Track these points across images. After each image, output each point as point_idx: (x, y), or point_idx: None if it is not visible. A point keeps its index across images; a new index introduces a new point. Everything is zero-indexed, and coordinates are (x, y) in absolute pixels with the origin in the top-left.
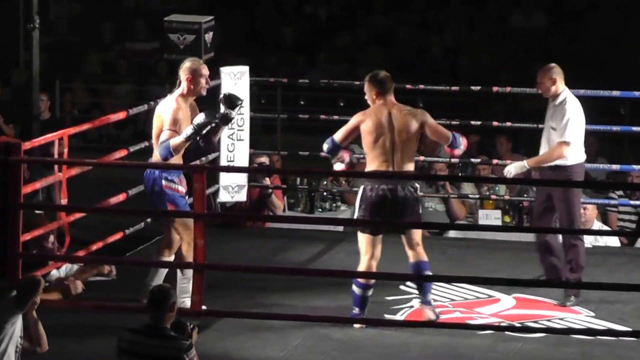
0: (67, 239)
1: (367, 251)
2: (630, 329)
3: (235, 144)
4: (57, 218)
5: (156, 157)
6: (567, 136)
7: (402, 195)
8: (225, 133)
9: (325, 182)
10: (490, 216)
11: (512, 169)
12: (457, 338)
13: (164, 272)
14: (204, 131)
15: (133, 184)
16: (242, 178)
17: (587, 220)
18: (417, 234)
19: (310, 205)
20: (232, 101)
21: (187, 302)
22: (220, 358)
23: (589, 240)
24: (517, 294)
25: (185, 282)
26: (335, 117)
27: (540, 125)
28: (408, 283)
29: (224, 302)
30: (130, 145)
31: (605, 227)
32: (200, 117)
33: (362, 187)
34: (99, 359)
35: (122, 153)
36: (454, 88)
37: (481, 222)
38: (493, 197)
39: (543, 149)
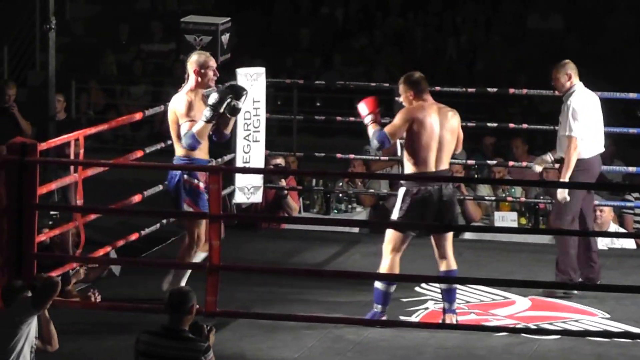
0: (82, 240)
1: (394, 249)
2: None
3: (251, 145)
4: (72, 219)
5: (182, 151)
6: (574, 130)
7: (447, 194)
8: (241, 134)
9: (341, 184)
10: (506, 218)
11: (559, 196)
12: (472, 340)
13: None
14: (222, 108)
15: (149, 185)
16: (258, 179)
17: (603, 222)
18: (449, 237)
19: (325, 207)
20: (237, 91)
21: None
22: (235, 359)
23: (605, 243)
24: (533, 295)
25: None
26: (352, 118)
27: (556, 127)
28: (423, 284)
29: (239, 303)
30: (146, 146)
31: (622, 229)
32: (214, 97)
33: (404, 188)
34: (113, 359)
35: (138, 154)
36: (470, 90)
37: (497, 224)
38: (509, 199)
39: (557, 145)
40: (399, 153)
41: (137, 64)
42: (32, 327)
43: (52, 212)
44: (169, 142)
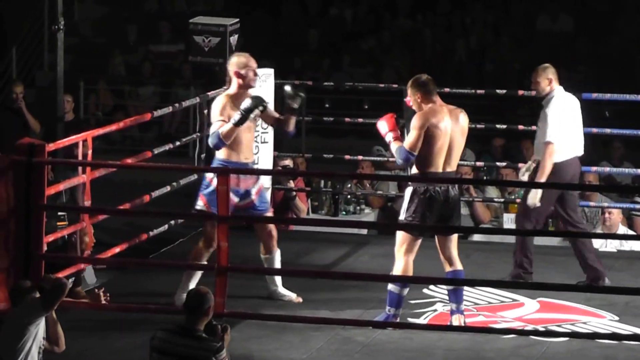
0: (91, 240)
1: (407, 250)
2: None
3: (259, 147)
4: (80, 220)
5: (220, 153)
6: (550, 136)
7: (453, 195)
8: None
9: (349, 185)
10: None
11: (530, 200)
12: (480, 342)
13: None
14: (252, 115)
15: (157, 186)
16: (267, 180)
17: (612, 224)
18: (454, 238)
19: (334, 208)
20: (293, 94)
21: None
22: None
23: (614, 245)
24: (542, 297)
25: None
26: (360, 119)
27: None
28: (431, 286)
29: (246, 304)
30: (155, 148)
31: (631, 232)
32: (247, 102)
33: (411, 188)
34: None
35: (146, 155)
36: (479, 91)
37: (506, 226)
38: (518, 200)
39: (535, 150)
40: None
41: (145, 65)
42: (39, 327)
43: (59, 213)
44: (177, 143)
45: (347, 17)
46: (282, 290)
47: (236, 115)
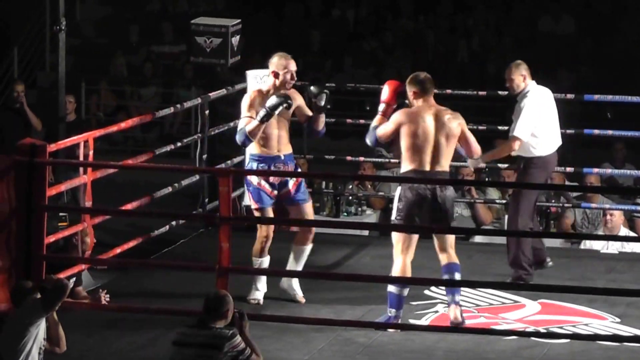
0: (92, 241)
1: (402, 251)
2: None
3: None
4: (81, 220)
5: (253, 149)
6: (518, 131)
7: (442, 195)
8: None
9: (351, 186)
10: None
11: (470, 164)
12: (482, 343)
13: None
14: (277, 111)
15: (158, 187)
16: None
17: (613, 226)
18: (450, 235)
19: (335, 209)
20: (317, 92)
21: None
22: None
23: (615, 247)
24: (543, 299)
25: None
26: (362, 121)
27: (568, 131)
28: (432, 287)
29: (248, 305)
30: (156, 148)
31: (632, 234)
32: (272, 100)
33: (400, 188)
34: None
35: (148, 156)
36: (481, 93)
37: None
38: None
39: None
40: None
41: (147, 66)
42: (40, 328)
43: (60, 214)
44: (179, 144)
45: (349, 18)
46: (295, 285)
47: (261, 112)
